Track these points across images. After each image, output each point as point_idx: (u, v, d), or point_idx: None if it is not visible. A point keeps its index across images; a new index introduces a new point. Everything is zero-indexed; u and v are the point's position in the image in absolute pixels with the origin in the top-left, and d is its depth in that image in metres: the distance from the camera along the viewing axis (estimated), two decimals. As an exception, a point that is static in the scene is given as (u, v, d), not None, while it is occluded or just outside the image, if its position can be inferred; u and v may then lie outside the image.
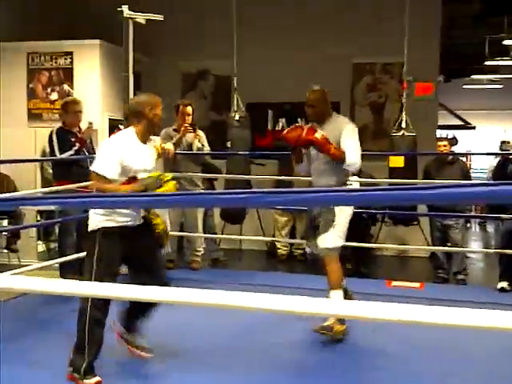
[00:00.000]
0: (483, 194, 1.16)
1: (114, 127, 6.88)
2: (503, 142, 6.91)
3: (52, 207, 5.38)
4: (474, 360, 3.58)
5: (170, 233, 5.86)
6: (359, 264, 6.73)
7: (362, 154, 6.63)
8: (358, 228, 6.73)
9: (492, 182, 1.63)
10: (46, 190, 5.50)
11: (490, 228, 10.45)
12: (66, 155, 5.25)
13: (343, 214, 4.00)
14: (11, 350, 3.42)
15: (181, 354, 3.64)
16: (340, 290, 3.81)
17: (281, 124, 8.43)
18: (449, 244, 6.32)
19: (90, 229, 3.26)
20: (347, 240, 6.09)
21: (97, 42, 7.01)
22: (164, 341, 3.77)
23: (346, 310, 1.36)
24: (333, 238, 3.97)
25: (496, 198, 1.26)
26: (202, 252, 6.53)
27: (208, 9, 8.18)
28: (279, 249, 7.61)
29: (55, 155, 5.31)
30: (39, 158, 6.66)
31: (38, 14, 7.72)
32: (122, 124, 6.32)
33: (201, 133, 6.19)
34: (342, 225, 4.03)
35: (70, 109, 5.39)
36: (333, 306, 1.36)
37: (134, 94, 6.54)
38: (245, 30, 7.44)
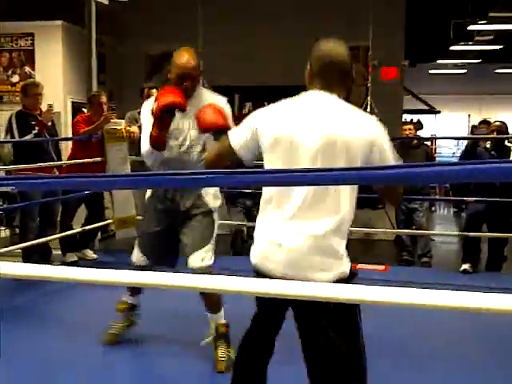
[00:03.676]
0: (441, 173, 1.15)
1: (77, 110, 6.78)
2: (474, 127, 6.98)
3: (9, 189, 5.27)
4: (443, 341, 3.63)
5: (137, 217, 5.82)
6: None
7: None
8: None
9: (453, 162, 1.63)
10: (8, 168, 5.38)
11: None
12: (25, 139, 5.14)
13: None
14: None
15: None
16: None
17: (247, 108, 8.40)
18: (414, 227, 6.39)
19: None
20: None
21: (59, 22, 6.87)
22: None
23: (311, 291, 1.34)
24: None
25: (453, 178, 1.26)
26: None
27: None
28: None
29: (15, 139, 5.20)
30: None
31: (-3, -7, 7.54)
32: (84, 107, 6.23)
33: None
34: None
35: (30, 92, 5.27)
36: (296, 287, 1.35)
37: (98, 77, 6.45)
38: (210, 13, 7.37)
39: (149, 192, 3.26)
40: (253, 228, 2.19)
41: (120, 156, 5.57)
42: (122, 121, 5.66)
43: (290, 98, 2.12)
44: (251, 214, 6.22)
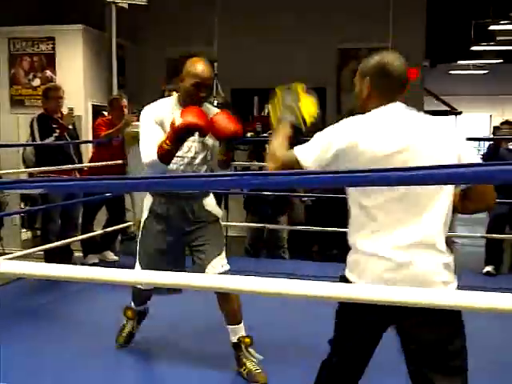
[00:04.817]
0: (467, 174, 1.13)
1: (97, 113, 6.82)
2: (496, 128, 6.91)
3: (36, 192, 5.32)
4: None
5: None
6: (346, 249, 6.72)
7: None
8: (345, 213, 6.74)
9: (478, 163, 1.59)
10: (30, 170, 5.42)
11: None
12: (46, 142, 5.18)
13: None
14: (4, 338, 3.37)
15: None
16: None
17: (266, 110, 8.39)
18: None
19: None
20: (333, 225, 6.13)
21: (79, 26, 6.92)
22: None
23: (314, 290, 1.32)
24: None
25: (480, 179, 1.24)
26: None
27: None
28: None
29: (36, 142, 5.25)
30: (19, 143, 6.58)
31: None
32: (105, 110, 6.26)
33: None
34: None
35: (51, 95, 5.31)
36: (302, 286, 1.34)
37: (118, 80, 6.49)
38: (231, 16, 7.39)
39: (145, 212, 3.08)
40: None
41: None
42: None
43: (370, 113, 1.99)
44: (271, 223, 6.21)
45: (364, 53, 8.28)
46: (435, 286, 1.90)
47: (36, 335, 3.65)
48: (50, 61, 6.92)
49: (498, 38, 10.00)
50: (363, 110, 2.01)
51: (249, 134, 7.30)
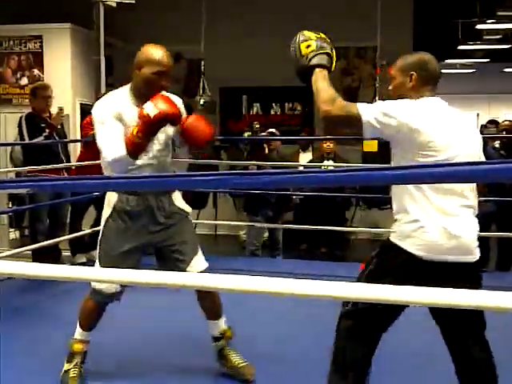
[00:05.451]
0: (451, 173, 1.15)
1: (85, 112, 6.80)
2: (483, 126, 6.96)
3: (23, 191, 5.30)
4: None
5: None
6: (334, 247, 6.76)
7: (338, 139, 6.65)
8: (333, 212, 6.77)
9: (461, 162, 1.66)
10: (18, 170, 5.40)
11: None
12: (35, 141, 5.16)
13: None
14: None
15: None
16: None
17: (255, 108, 8.40)
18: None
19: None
20: (322, 224, 6.16)
21: (67, 25, 6.90)
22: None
23: (318, 290, 1.33)
24: None
25: (466, 178, 1.26)
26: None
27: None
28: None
29: (25, 141, 5.23)
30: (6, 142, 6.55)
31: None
32: (93, 109, 6.24)
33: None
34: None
35: (39, 94, 5.29)
36: (305, 286, 1.34)
37: (106, 79, 6.47)
38: (218, 15, 7.39)
39: (108, 209, 2.85)
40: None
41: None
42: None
43: (417, 100, 2.27)
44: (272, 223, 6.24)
45: (352, 52, 8.32)
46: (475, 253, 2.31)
47: (25, 335, 3.64)
48: (37, 59, 6.89)
49: (485, 37, 10.06)
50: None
51: (246, 134, 7.30)
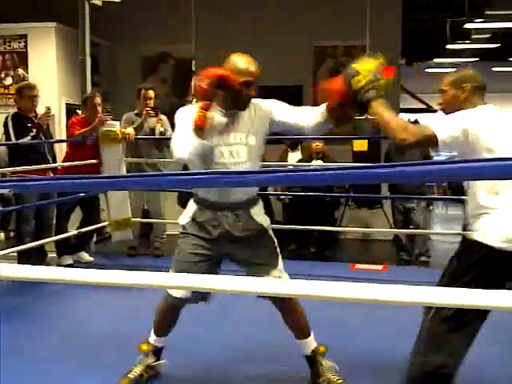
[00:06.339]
0: (437, 171, 1.12)
1: (71, 112, 6.74)
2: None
3: (7, 192, 5.22)
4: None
5: (132, 219, 5.78)
6: (323, 247, 6.73)
7: (327, 138, 6.63)
8: (322, 211, 6.74)
9: (449, 160, 1.66)
10: (3, 170, 5.33)
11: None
12: (23, 141, 5.10)
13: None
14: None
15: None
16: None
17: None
18: (411, 226, 6.36)
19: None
20: (311, 224, 6.14)
21: (52, 24, 6.82)
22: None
23: (308, 289, 1.30)
24: None
25: (454, 176, 1.22)
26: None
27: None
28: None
29: (12, 141, 5.16)
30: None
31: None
32: (79, 109, 6.18)
33: (163, 117, 6.07)
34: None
35: (25, 93, 5.23)
36: (295, 286, 1.31)
37: (92, 79, 6.41)
38: (206, 13, 7.34)
39: (186, 217, 2.82)
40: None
41: (115, 158, 5.54)
42: (117, 123, 5.63)
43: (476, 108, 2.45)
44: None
45: (341, 50, 8.29)
46: None
47: (12, 336, 3.58)
48: (22, 59, 6.81)
49: (474, 37, 10.07)
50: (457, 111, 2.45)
51: None
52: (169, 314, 2.92)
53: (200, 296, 2.80)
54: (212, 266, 2.82)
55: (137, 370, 2.95)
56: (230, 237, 2.76)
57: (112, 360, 3.22)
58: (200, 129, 2.55)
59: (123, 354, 3.17)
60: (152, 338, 2.98)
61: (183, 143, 2.59)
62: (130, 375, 2.93)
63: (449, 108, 2.55)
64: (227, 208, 2.74)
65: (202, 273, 2.65)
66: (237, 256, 2.84)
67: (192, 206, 2.82)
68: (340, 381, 2.89)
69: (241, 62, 2.71)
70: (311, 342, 2.93)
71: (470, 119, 2.37)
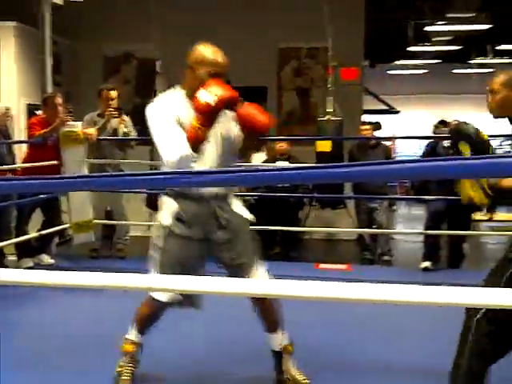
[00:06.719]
0: (398, 170, 1.12)
1: (31, 112, 6.62)
2: (436, 126, 7.08)
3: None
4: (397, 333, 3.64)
5: (95, 220, 5.70)
6: (287, 248, 6.75)
7: (291, 139, 6.65)
8: (286, 212, 6.75)
9: (409, 159, 1.65)
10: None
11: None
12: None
13: None
14: None
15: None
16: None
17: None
18: (374, 226, 6.42)
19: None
20: (275, 224, 6.14)
21: (12, 23, 6.70)
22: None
23: (273, 288, 1.30)
24: None
25: (414, 175, 1.24)
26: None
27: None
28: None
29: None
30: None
31: None
32: (40, 109, 6.07)
33: (126, 118, 6.00)
34: None
35: (-17, 93, 5.13)
36: (259, 285, 1.31)
37: (54, 79, 6.31)
38: (169, 13, 7.30)
39: (169, 218, 2.70)
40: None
41: (77, 159, 5.45)
42: (79, 123, 5.54)
43: None
44: None
45: (304, 52, 8.33)
46: None
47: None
48: (-20, 59, 6.68)
49: (435, 39, 10.23)
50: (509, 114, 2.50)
51: None
52: (153, 316, 2.86)
53: (189, 302, 2.75)
54: (202, 265, 2.77)
55: (129, 370, 2.86)
56: (214, 231, 2.73)
57: (79, 362, 3.18)
58: (195, 143, 2.51)
59: (88, 356, 3.12)
60: (135, 336, 2.89)
61: (177, 148, 2.51)
62: (124, 377, 2.85)
63: (499, 110, 2.50)
64: (210, 199, 2.69)
65: (195, 274, 2.62)
66: (221, 256, 2.80)
67: (172, 204, 2.71)
68: (305, 380, 2.88)
69: (209, 52, 2.68)
70: (281, 339, 2.90)
71: None
